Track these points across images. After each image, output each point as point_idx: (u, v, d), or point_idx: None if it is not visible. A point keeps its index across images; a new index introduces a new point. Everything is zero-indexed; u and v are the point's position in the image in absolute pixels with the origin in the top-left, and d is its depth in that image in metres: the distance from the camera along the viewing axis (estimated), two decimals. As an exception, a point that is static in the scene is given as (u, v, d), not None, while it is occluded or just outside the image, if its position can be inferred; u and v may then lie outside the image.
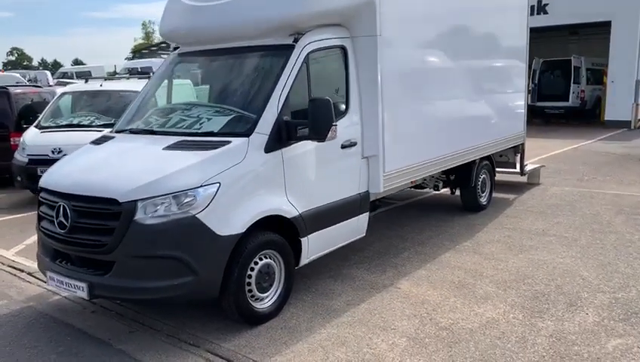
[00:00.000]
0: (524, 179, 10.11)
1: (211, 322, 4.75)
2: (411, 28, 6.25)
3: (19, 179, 9.73)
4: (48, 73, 33.70)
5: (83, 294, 4.31)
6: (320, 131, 4.66)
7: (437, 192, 9.03)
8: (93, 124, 10.33)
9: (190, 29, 5.58)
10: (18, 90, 11.81)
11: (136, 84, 11.48)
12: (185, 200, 4.17)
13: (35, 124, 10.54)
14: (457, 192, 8.38)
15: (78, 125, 10.33)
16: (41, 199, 4.81)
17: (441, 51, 6.93)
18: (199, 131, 4.84)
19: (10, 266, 6.45)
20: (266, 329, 4.61)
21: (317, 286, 5.53)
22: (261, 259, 4.63)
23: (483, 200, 8.41)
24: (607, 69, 21.50)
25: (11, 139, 11.03)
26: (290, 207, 4.83)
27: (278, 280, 4.84)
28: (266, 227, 4.65)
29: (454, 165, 7.30)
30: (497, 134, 8.31)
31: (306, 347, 4.31)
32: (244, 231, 4.40)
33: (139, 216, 4.13)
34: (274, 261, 4.77)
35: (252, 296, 4.60)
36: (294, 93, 4.91)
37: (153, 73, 22.37)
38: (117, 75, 46.26)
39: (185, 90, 6.94)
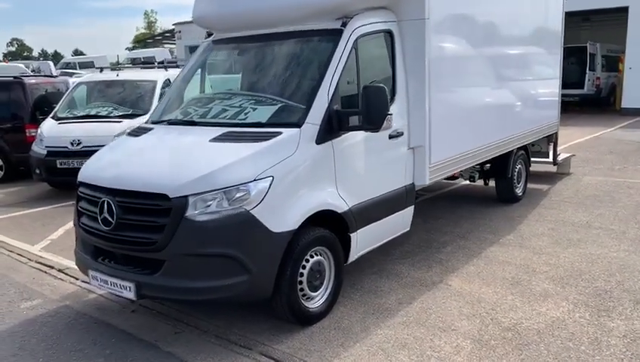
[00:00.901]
0: (553, 168, 9.84)
1: (260, 322, 4.51)
2: (456, 12, 5.98)
3: (37, 171, 9.49)
4: (51, 64, 33.42)
5: (130, 294, 4.07)
6: (374, 121, 4.40)
7: (466, 183, 8.77)
8: (112, 114, 10.10)
9: (226, 14, 5.31)
10: (32, 81, 11.53)
11: (154, 74, 11.26)
12: (238, 195, 3.92)
13: (51, 115, 10.29)
14: (490, 183, 8.12)
15: (96, 116, 10.10)
16: (80, 194, 4.56)
17: (483, 36, 6.65)
18: (246, 122, 4.58)
19: (39, 263, 6.22)
20: (319, 330, 4.38)
21: (362, 283, 5.29)
22: (312, 257, 4.39)
23: (519, 191, 8.15)
24: (623, 56, 21.14)
25: (27, 130, 10.81)
26: (340, 201, 4.58)
27: (328, 278, 4.60)
28: (317, 222, 4.40)
29: (495, 155, 7.04)
30: (535, 123, 8.05)
31: (364, 349, 4.07)
32: (297, 227, 4.16)
33: (190, 212, 3.88)
34: (324, 258, 4.53)
35: (304, 295, 4.37)
36: (343, 81, 4.65)
37: (159, 63, 22.20)
38: (119, 65, 46.13)
39: (221, 80, 6.64)
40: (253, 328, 4.44)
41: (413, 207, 5.61)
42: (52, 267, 6.04)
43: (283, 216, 4.09)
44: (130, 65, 41.42)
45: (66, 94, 10.82)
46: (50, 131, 9.63)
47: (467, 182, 8.33)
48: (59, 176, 9.40)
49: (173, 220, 3.89)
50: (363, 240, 4.91)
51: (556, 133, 9.11)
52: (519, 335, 4.18)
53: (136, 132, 5.08)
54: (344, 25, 4.76)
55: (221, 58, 5.87)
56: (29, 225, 7.90)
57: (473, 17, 6.42)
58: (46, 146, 9.40)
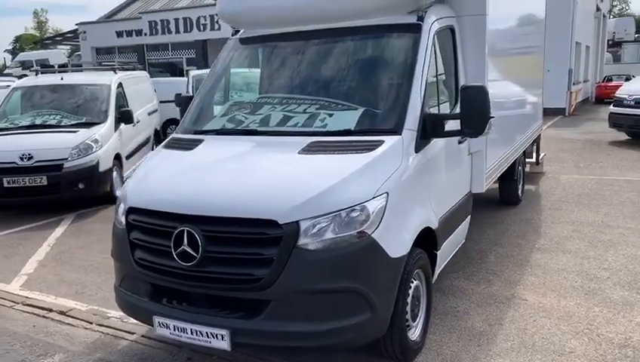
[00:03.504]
0: (534, 168, 9.89)
1: (351, 358, 3.90)
2: (500, 10, 5.64)
3: (-23, 192, 8.09)
4: None
5: (222, 344, 3.30)
6: (476, 125, 3.91)
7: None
8: (62, 123, 8.90)
9: (273, 7, 4.59)
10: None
11: (102, 77, 10.10)
12: (357, 217, 3.29)
13: (-15, 125, 8.88)
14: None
15: (44, 125, 8.86)
16: (134, 223, 3.70)
17: (513, 36, 6.42)
18: (328, 130, 3.93)
19: (28, 305, 5.15)
20: (427, 365, 3.85)
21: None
22: (412, 282, 3.84)
23: (520, 192, 8.03)
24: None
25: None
26: (433, 216, 4.08)
27: (421, 303, 4.08)
28: (415, 242, 3.86)
29: (515, 157, 6.83)
30: (535, 123, 8.00)
31: (492, 384, 3.60)
32: (409, 250, 3.60)
33: (303, 240, 3.21)
34: (419, 281, 4.00)
35: (408, 326, 3.81)
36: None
37: (53, 66, 20.25)
38: (7, 69, 42.16)
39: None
40: (350, 369, 3.82)
41: (469, 216, 5.22)
42: (50, 309, 5.01)
43: (399, 239, 3.51)
44: (21, 68, 38.08)
45: (1, 101, 9.38)
46: (-8, 145, 8.27)
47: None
48: (6, 197, 8.07)
49: (283, 251, 3.19)
50: (441, 256, 4.44)
51: (539, 135, 9.13)
52: (642, 352, 3.89)
53: (183, 144, 4.26)
54: (421, 19, 4.26)
55: (254, 58, 5.14)
56: (-14, 257, 6.65)
57: (508, 17, 6.16)
58: (-13, 162, 8.05)
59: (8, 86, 12.14)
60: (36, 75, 10.39)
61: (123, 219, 3.79)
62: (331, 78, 4.46)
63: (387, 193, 3.43)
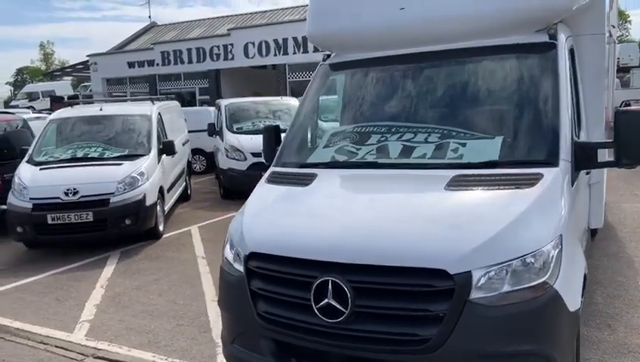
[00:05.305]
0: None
1: None
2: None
3: (20, 230, 7.60)
4: None
5: (376, 418, 2.80)
6: (636, 155, 3.45)
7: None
8: (105, 156, 8.43)
9: (382, 28, 4.18)
10: (-11, 118, 9.50)
11: (142, 107, 9.70)
12: (536, 266, 2.81)
13: (25, 159, 8.42)
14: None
15: (85, 158, 8.39)
16: (258, 271, 3.21)
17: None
18: (472, 162, 3.47)
19: (101, 358, 4.64)
20: None
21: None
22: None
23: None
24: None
25: (-12, 179, 8.81)
26: (584, 259, 3.59)
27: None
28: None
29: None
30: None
31: None
32: (582, 299, 3.12)
33: (475, 293, 2.73)
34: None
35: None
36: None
37: (63, 98, 19.84)
38: (13, 101, 41.96)
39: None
40: None
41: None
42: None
43: (574, 288, 3.05)
44: (28, 100, 37.87)
45: (39, 134, 8.94)
46: (35, 179, 7.80)
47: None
48: (51, 235, 7.61)
49: (454, 307, 2.71)
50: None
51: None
52: None
53: (294, 179, 3.80)
54: (554, 37, 3.84)
55: (353, 83, 4.69)
56: (38, 301, 6.12)
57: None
58: (31, 198, 7.59)
59: (38, 117, 11.80)
60: (71, 106, 9.95)
61: (240, 266, 3.31)
62: (452, 104, 4.03)
63: (561, 235, 2.96)
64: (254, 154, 11.08)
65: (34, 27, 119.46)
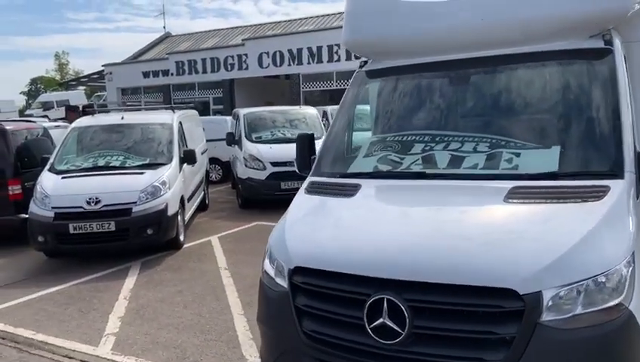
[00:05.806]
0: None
1: None
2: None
3: (41, 239, 7.48)
4: None
5: None
6: None
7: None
8: (127, 164, 8.31)
9: (425, 34, 4.01)
10: (11, 126, 9.39)
11: (163, 116, 9.60)
12: (609, 286, 2.61)
13: (47, 167, 8.32)
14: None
15: (107, 167, 8.27)
16: (304, 287, 3.03)
17: None
18: (530, 172, 3.28)
19: (130, 374, 4.47)
20: None
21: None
22: None
23: None
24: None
25: (9, 187, 8.70)
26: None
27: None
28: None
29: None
30: None
31: None
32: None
33: (546, 316, 2.53)
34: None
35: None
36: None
37: (78, 107, 19.87)
38: (28, 110, 42.30)
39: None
40: None
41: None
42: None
43: (643, 309, 2.83)
44: (42, 109, 38.12)
45: (61, 142, 8.84)
46: (56, 188, 7.69)
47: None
48: (72, 244, 7.49)
49: (524, 329, 2.51)
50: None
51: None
52: None
53: (336, 190, 3.63)
54: (609, 43, 3.66)
55: (392, 90, 4.52)
56: (61, 313, 5.97)
57: None
58: (53, 207, 7.47)
59: (57, 126, 11.72)
60: (92, 115, 9.86)
61: (283, 281, 3.14)
62: (501, 112, 3.85)
63: (633, 253, 2.76)
64: (273, 164, 11.00)
65: (48, 38, 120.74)
